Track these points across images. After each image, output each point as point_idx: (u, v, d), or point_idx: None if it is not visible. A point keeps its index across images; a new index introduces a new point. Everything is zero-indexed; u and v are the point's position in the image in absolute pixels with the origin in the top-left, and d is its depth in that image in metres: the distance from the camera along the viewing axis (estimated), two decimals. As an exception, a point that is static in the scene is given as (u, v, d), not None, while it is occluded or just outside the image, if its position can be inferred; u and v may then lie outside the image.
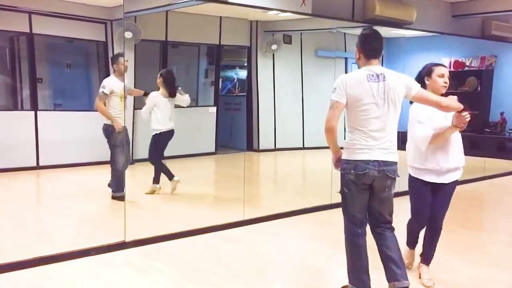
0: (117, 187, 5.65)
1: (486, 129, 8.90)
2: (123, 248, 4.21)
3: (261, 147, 9.75)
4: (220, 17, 8.85)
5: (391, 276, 3.05)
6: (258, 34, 9.70)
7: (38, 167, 7.38)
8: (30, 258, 3.82)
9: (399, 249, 3.13)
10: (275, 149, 9.84)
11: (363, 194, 3.09)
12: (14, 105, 8.06)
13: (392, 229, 3.17)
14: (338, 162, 3.15)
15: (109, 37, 7.99)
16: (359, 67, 3.13)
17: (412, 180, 3.56)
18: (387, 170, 3.01)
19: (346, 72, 9.60)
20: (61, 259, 3.90)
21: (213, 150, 9.02)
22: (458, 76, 9.04)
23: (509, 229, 5.55)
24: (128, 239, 4.28)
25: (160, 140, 5.98)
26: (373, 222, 3.18)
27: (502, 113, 9.30)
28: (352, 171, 3.02)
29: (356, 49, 3.12)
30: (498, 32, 8.21)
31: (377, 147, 3.00)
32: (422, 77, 3.49)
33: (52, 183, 7.00)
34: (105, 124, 5.60)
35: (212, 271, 3.81)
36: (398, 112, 3.05)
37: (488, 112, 9.17)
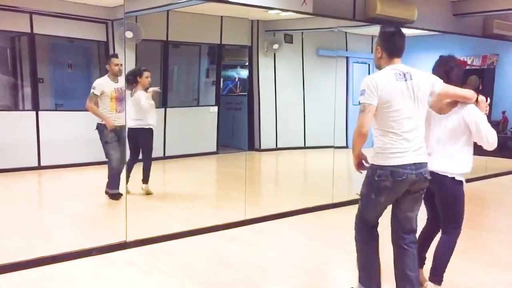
0: (112, 184, 5.68)
1: (488, 128, 8.86)
2: (125, 248, 4.21)
3: (262, 147, 9.74)
4: (221, 17, 8.84)
5: None
6: (259, 33, 9.69)
7: (39, 167, 7.38)
8: (32, 258, 3.83)
9: (418, 269, 3.05)
10: (277, 149, 9.83)
11: (391, 201, 2.97)
12: (16, 105, 8.07)
13: (416, 243, 3.05)
14: (360, 165, 3.02)
15: (110, 37, 7.98)
16: (378, 66, 3.03)
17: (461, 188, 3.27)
18: (424, 172, 2.90)
19: (347, 72, 9.77)
20: (63, 259, 3.91)
21: (214, 149, 9.02)
22: (460, 75, 9.03)
23: (511, 228, 5.54)
24: (130, 239, 4.28)
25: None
26: (398, 230, 3.03)
27: (503, 112, 9.29)
28: (389, 178, 2.86)
29: (378, 47, 2.99)
30: (499, 31, 8.20)
31: (411, 149, 2.87)
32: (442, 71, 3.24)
33: (54, 183, 7.00)
34: (97, 123, 5.69)
35: (214, 271, 3.81)
36: (426, 111, 2.98)
37: (490, 111, 9.13)
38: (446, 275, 3.27)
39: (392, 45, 2.97)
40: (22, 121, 7.49)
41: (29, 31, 7.52)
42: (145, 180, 6.02)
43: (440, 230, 3.32)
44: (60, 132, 7.45)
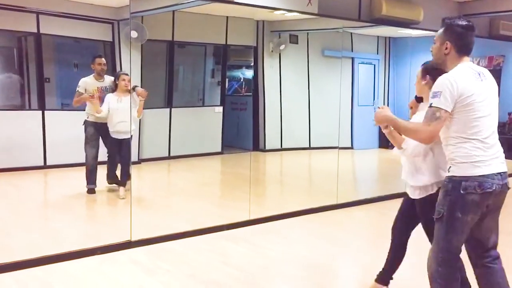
0: (87, 179, 5.91)
1: (494, 130, 8.83)
2: (129, 248, 4.23)
3: (267, 147, 9.74)
4: (227, 17, 8.85)
5: None
6: (264, 34, 9.69)
7: (45, 166, 7.42)
8: (37, 257, 3.85)
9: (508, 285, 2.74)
10: (282, 149, 9.83)
11: (476, 219, 2.60)
12: (22, 105, 8.11)
13: (499, 257, 2.73)
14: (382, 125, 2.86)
15: (116, 37, 8.01)
16: (440, 63, 2.74)
17: None
18: (507, 183, 2.63)
19: (352, 72, 9.76)
20: (68, 258, 3.92)
21: (219, 150, 9.03)
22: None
23: (508, 230, 5.51)
24: (134, 238, 4.29)
25: None
26: (478, 250, 2.71)
27: (510, 114, 9.24)
28: (477, 189, 2.51)
29: (446, 42, 2.65)
30: (506, 32, 8.16)
31: (494, 156, 2.58)
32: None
33: (60, 182, 7.04)
34: (84, 119, 5.96)
35: (218, 271, 3.82)
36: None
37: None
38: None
39: (465, 41, 2.65)
40: (28, 120, 7.53)
41: (35, 31, 7.56)
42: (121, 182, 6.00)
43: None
44: (66, 132, 7.48)
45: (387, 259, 3.27)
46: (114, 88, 5.92)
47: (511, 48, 9.14)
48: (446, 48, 2.67)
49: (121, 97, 5.80)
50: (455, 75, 2.57)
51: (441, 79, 2.57)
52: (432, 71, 2.85)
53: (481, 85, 2.59)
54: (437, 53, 2.73)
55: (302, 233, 4.93)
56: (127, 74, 5.91)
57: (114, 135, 5.83)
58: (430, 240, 2.85)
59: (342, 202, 5.82)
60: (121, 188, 5.88)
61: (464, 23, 2.66)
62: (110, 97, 5.85)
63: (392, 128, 2.88)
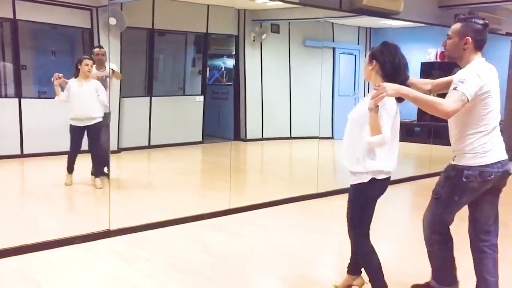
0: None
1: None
2: (108, 237, 4.20)
3: (248, 137, 9.75)
4: (208, 5, 8.78)
5: None
6: (246, 23, 9.65)
7: (22, 155, 7.28)
8: (14, 246, 3.80)
9: (497, 274, 2.94)
10: (262, 139, 9.85)
11: (471, 200, 2.91)
12: (-2, 92, 7.95)
13: (497, 246, 2.96)
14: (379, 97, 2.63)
15: (94, 24, 7.88)
16: (456, 58, 2.85)
17: None
18: (509, 169, 2.85)
19: (334, 62, 9.79)
20: (46, 247, 3.88)
21: (200, 139, 9.00)
22: (444, 67, 9.09)
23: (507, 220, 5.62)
24: (113, 227, 4.26)
25: None
26: (479, 233, 2.96)
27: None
28: (477, 178, 2.77)
29: (467, 37, 2.77)
30: (484, 24, 8.26)
31: (496, 146, 2.82)
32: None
33: (37, 172, 6.93)
34: None
35: (198, 259, 3.82)
36: None
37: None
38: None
39: (484, 37, 2.83)
40: (4, 108, 7.38)
41: (11, 17, 7.38)
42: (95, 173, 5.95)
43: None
44: (43, 120, 7.35)
45: (351, 251, 3.21)
46: (76, 73, 5.76)
47: (489, 40, 9.23)
48: (466, 44, 2.79)
49: (83, 83, 5.68)
50: (479, 69, 2.71)
51: (467, 71, 2.71)
52: (380, 57, 2.82)
53: (493, 80, 2.78)
54: (455, 48, 2.83)
55: (282, 222, 4.95)
56: (90, 59, 5.77)
57: (75, 123, 5.69)
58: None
59: (322, 191, 5.87)
60: (96, 179, 5.80)
61: (481, 21, 2.83)
62: (71, 82, 5.71)
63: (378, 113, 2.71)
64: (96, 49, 6.08)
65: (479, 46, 2.82)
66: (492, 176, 2.78)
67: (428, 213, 3.02)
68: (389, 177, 2.88)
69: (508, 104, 8.94)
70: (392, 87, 2.61)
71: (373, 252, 2.93)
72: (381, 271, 2.92)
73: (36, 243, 3.89)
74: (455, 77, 2.71)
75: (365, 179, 2.80)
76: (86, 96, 5.64)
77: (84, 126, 5.68)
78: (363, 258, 3.01)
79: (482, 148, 2.77)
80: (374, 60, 2.85)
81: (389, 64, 2.78)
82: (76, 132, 5.73)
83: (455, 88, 2.64)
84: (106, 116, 5.78)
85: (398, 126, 2.86)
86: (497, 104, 2.81)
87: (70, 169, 5.84)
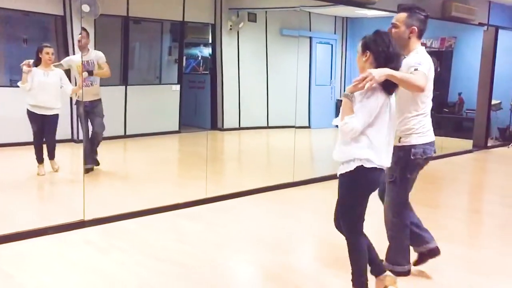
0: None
1: (444, 109, 9.13)
2: (83, 227, 4.16)
3: (225, 126, 9.71)
4: (184, -7, 8.68)
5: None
6: (222, 11, 9.58)
7: (-6, 145, 7.13)
8: (-16, 238, 3.73)
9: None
10: (240, 128, 9.83)
11: (417, 175, 3.23)
12: (-32, 81, 7.74)
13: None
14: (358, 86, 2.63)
15: (67, 11, 7.71)
16: (402, 45, 2.97)
17: None
18: (435, 150, 3.19)
19: (310, 52, 9.81)
20: (17, 238, 3.82)
21: (176, 128, 8.92)
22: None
23: (464, 205, 5.77)
24: (88, 217, 4.21)
25: None
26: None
27: (460, 94, 9.55)
28: (422, 155, 3.09)
29: (413, 27, 3.05)
30: (457, 14, 8.37)
31: (431, 127, 3.16)
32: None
33: (9, 162, 6.79)
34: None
35: (173, 248, 3.81)
36: None
37: (447, 92, 9.42)
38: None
39: (425, 27, 3.10)
40: (-26, 97, 7.19)
41: (-20, 3, 7.17)
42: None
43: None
44: (16, 109, 7.19)
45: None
46: (37, 62, 5.67)
47: (463, 30, 9.41)
48: (412, 33, 3.06)
49: (48, 72, 5.62)
50: (426, 56, 3.01)
51: (420, 56, 2.98)
52: (373, 47, 2.72)
53: (432, 68, 3.04)
54: (401, 36, 3.05)
55: (258, 210, 4.97)
56: (50, 47, 5.71)
57: (34, 110, 5.64)
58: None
59: (298, 180, 5.90)
60: (52, 161, 5.79)
61: (424, 12, 3.11)
62: (35, 71, 5.63)
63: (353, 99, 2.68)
64: (80, 35, 5.96)
65: (421, 35, 3.11)
66: (432, 154, 3.13)
67: (387, 198, 3.25)
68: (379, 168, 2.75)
69: (480, 92, 9.12)
70: (379, 73, 2.60)
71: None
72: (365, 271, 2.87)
73: (7, 234, 3.83)
74: (412, 61, 2.94)
75: (352, 166, 2.70)
76: (50, 86, 5.61)
77: (42, 114, 5.64)
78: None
79: (423, 128, 3.09)
80: (367, 51, 2.74)
81: (383, 54, 2.70)
82: (36, 120, 5.69)
83: (416, 69, 2.87)
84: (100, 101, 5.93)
85: (390, 120, 2.75)
86: (431, 90, 3.11)
87: (40, 159, 5.79)
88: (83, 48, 5.87)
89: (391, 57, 2.70)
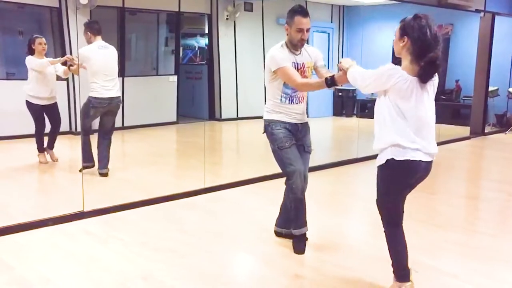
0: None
1: (442, 96, 9.14)
2: (82, 218, 4.18)
3: (223, 116, 9.73)
4: (180, -17, 8.66)
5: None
6: (218, 1, 9.55)
7: (-9, 138, 7.14)
8: (-15, 230, 3.75)
9: None
10: (237, 118, 9.84)
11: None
12: (-36, 74, 7.73)
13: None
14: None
15: (63, 3, 7.69)
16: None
17: None
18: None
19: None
20: (17, 230, 3.84)
21: (174, 119, 8.94)
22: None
23: (461, 191, 5.81)
24: (87, 208, 4.24)
25: None
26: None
27: (457, 81, 9.56)
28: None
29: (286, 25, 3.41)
30: (454, 0, 8.35)
31: None
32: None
33: (8, 154, 6.80)
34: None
35: (173, 239, 3.84)
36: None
37: (444, 79, 9.42)
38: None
39: None
40: (-29, 90, 7.19)
41: (-25, -5, 7.15)
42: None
43: None
44: (13, 102, 7.19)
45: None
46: (30, 53, 5.73)
47: (460, 17, 9.39)
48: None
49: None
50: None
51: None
52: (411, 32, 2.58)
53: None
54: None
55: (256, 200, 5.00)
56: (42, 37, 5.79)
57: (35, 101, 5.76)
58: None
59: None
60: (51, 151, 5.95)
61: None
62: (30, 61, 5.72)
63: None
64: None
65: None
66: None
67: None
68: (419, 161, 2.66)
69: (477, 79, 9.12)
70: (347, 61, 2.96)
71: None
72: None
73: (7, 226, 3.85)
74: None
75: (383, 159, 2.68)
76: (48, 76, 5.67)
77: (44, 105, 5.75)
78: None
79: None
80: (405, 37, 2.60)
81: (419, 43, 2.54)
82: (38, 110, 5.78)
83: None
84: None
85: (417, 106, 2.62)
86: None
87: (41, 148, 5.86)
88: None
89: (428, 45, 2.53)
